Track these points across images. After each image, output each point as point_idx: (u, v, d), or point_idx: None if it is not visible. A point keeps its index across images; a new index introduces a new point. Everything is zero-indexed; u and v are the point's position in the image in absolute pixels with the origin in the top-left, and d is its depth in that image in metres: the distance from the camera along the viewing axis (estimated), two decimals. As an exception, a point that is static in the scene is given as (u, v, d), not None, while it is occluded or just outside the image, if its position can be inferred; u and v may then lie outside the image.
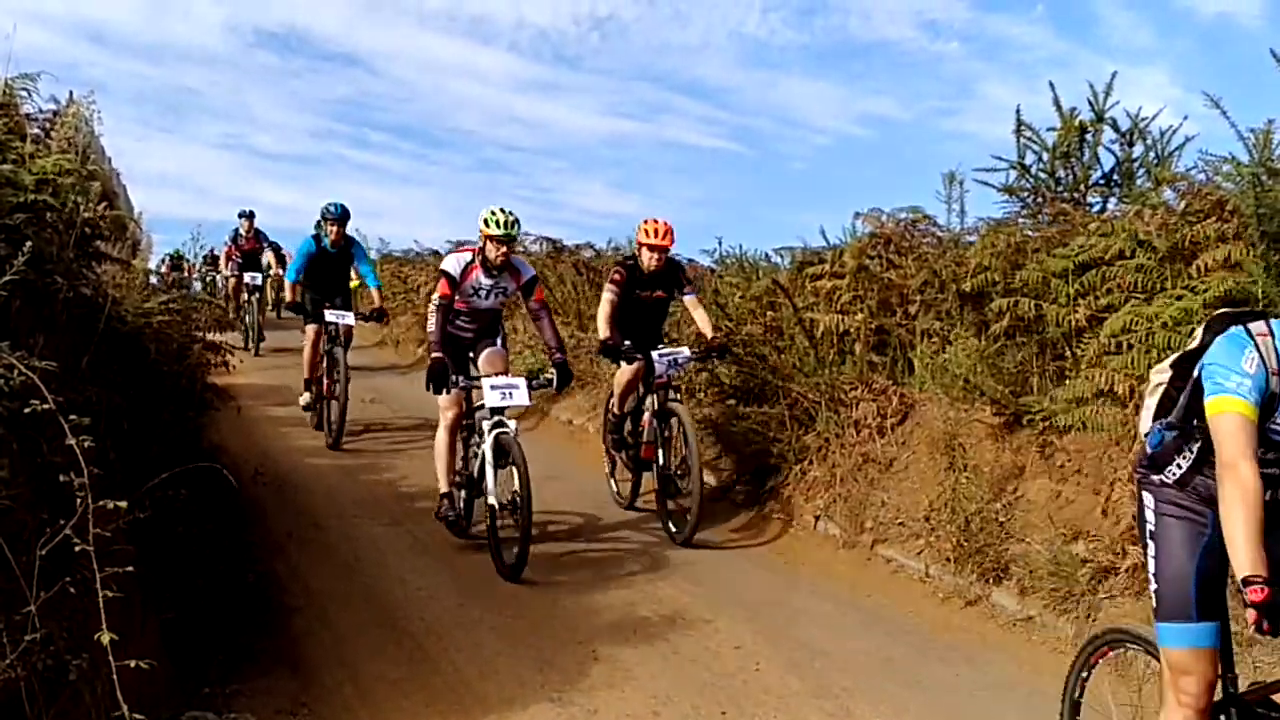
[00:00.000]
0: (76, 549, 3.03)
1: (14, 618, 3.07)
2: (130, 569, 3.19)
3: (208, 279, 21.07)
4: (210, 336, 7.20)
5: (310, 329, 9.95)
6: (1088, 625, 5.10)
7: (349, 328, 9.99)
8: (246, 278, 15.75)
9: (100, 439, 3.27)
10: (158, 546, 4.38)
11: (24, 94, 4.67)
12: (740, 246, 10.77)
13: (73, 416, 3.17)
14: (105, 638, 2.94)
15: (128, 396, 4.84)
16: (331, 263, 9.97)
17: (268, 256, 15.93)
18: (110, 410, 4.23)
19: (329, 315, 9.68)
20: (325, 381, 9.58)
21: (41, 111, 5.04)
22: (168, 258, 24.36)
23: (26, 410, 3.17)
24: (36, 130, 4.79)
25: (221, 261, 17.13)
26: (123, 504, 3.17)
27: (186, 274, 24.84)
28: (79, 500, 3.06)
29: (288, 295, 10.49)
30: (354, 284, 11.42)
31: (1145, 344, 5.48)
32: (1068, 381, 6.12)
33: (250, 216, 16.26)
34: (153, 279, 7.30)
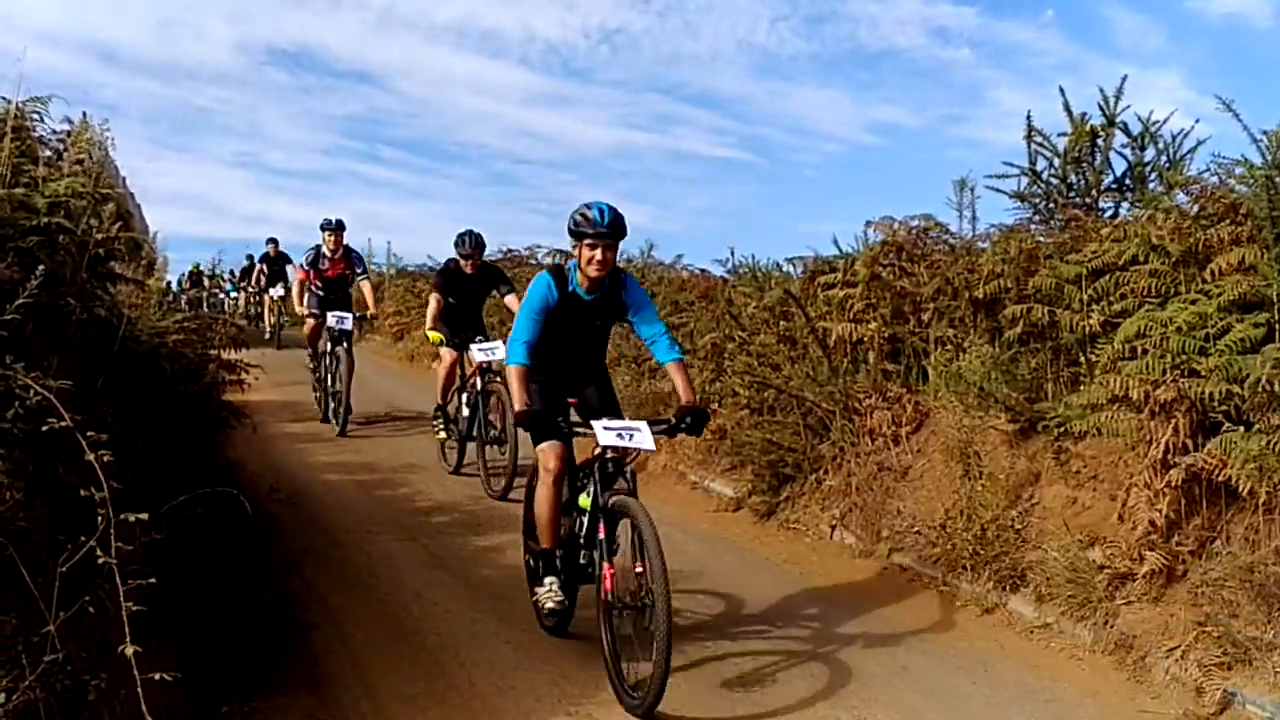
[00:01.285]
0: (100, 562, 3.05)
1: (33, 638, 3.10)
2: (152, 580, 3.20)
3: (242, 294, 20.97)
4: (226, 354, 7.25)
5: (547, 453, 5.13)
6: (1105, 631, 5.08)
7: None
8: (331, 319, 10.48)
9: (116, 458, 3.29)
10: (175, 566, 4.40)
11: (35, 117, 4.72)
12: (753, 256, 10.76)
13: (90, 433, 3.20)
14: (129, 650, 2.96)
15: (143, 416, 4.88)
16: (582, 318, 5.28)
17: (362, 287, 11.31)
18: (126, 430, 4.26)
19: (601, 433, 4.92)
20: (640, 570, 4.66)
21: (55, 134, 5.09)
22: (188, 273, 24.68)
23: (44, 429, 3.20)
24: (49, 153, 4.84)
25: (294, 292, 11.81)
26: (144, 516, 3.20)
27: (207, 289, 25.14)
28: (100, 515, 3.09)
29: (515, 397, 5.06)
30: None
31: (1160, 349, 5.44)
32: (1082, 387, 6.09)
33: (337, 229, 10.70)
34: (169, 297, 7.28)
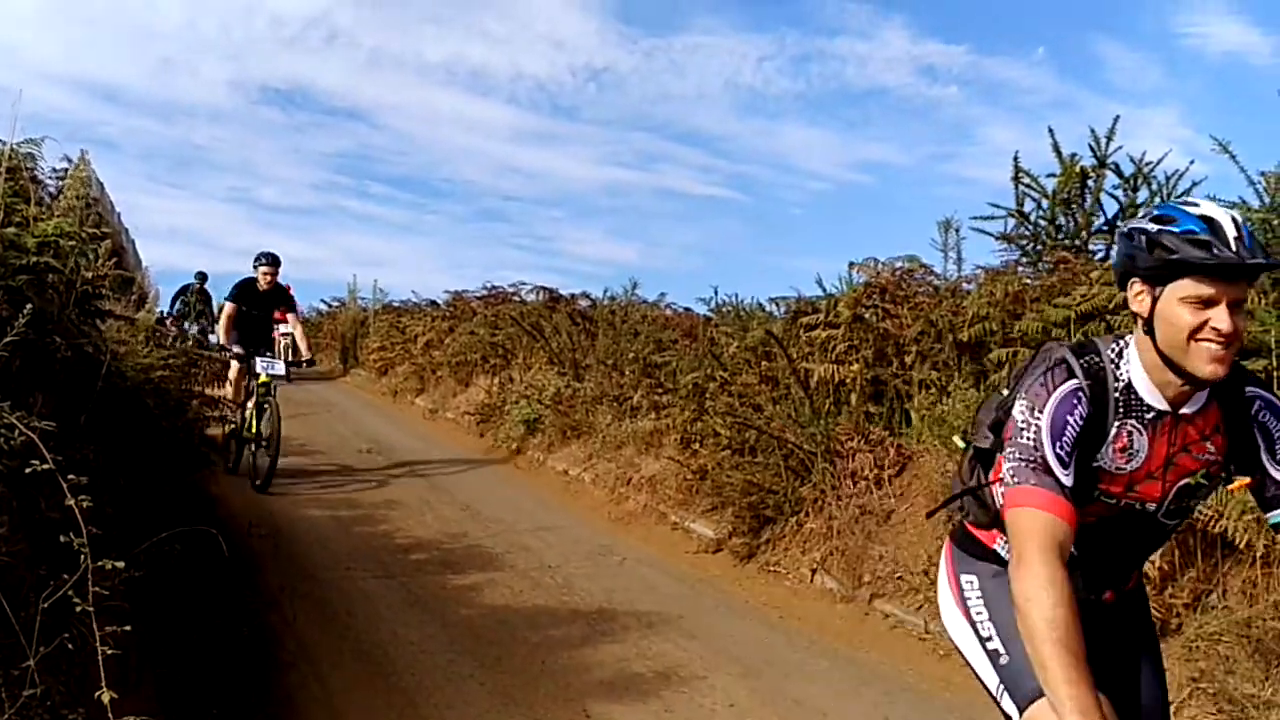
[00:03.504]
0: (77, 609, 3.04)
1: (12, 673, 3.08)
2: (128, 627, 3.19)
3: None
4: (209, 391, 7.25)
5: None
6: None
7: None
8: None
9: (98, 496, 3.29)
10: (153, 601, 4.38)
11: (29, 157, 4.76)
12: (736, 295, 10.86)
13: (71, 476, 3.20)
14: (105, 696, 2.94)
15: (125, 452, 4.87)
16: None
17: None
18: (108, 466, 4.25)
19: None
20: None
21: (55, 172, 5.13)
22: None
23: (27, 470, 3.20)
24: (49, 192, 4.87)
25: None
26: (120, 564, 3.19)
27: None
28: (82, 558, 3.08)
29: None
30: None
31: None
32: (1065, 433, 6.11)
33: None
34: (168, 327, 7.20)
